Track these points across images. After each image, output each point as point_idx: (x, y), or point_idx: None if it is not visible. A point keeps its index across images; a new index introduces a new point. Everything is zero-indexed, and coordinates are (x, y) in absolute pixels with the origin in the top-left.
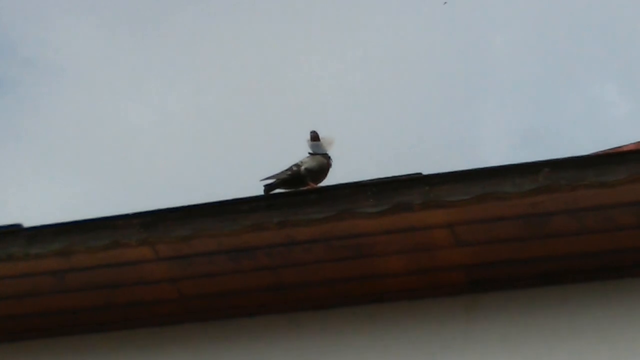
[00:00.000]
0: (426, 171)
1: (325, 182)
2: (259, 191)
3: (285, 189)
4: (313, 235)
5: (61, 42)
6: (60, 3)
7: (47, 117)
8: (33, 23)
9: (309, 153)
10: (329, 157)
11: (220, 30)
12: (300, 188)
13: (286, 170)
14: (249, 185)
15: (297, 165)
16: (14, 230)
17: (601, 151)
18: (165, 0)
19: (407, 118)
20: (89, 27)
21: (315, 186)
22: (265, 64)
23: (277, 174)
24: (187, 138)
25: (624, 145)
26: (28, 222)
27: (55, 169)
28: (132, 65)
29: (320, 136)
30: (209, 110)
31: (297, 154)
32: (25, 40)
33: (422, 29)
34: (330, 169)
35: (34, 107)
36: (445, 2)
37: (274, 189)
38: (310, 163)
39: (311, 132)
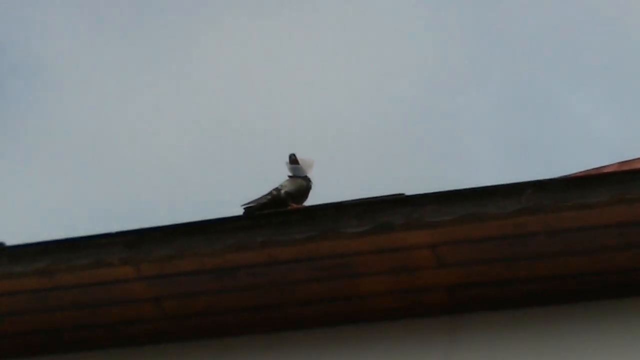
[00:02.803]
0: (409, 191)
1: (308, 203)
2: (242, 211)
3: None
4: (296, 255)
5: (44, 43)
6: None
7: (26, 126)
8: (17, 23)
9: (289, 176)
10: (309, 180)
11: (204, 47)
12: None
13: (266, 194)
14: (232, 205)
15: (277, 189)
16: None
17: (583, 171)
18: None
19: (391, 138)
20: (73, 27)
21: (297, 206)
22: (248, 84)
23: (257, 199)
24: (171, 156)
25: (606, 166)
26: (10, 240)
27: (36, 183)
28: (117, 74)
29: (300, 158)
30: (193, 130)
31: (281, 174)
32: (8, 41)
33: (404, 43)
34: (311, 191)
35: (14, 113)
36: None
37: (254, 213)
38: (290, 186)
39: (290, 156)
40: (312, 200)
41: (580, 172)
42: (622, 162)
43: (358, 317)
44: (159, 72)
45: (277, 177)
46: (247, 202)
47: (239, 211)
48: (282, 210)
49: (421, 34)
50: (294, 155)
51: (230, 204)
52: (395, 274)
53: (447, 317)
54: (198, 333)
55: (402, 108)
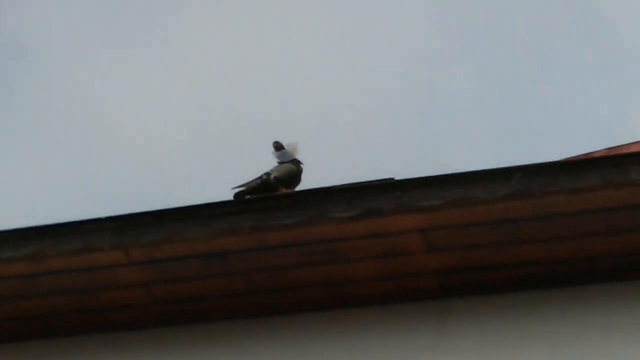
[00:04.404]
0: (398, 176)
1: (298, 188)
2: (231, 197)
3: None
4: (285, 240)
5: (31, 25)
6: None
7: (12, 109)
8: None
9: (278, 162)
10: (299, 162)
11: (195, 31)
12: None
13: (256, 179)
14: (222, 190)
15: (266, 173)
16: None
17: (572, 157)
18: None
19: (381, 122)
20: (61, 11)
21: (288, 191)
22: (238, 68)
23: (247, 183)
24: (161, 141)
25: (595, 151)
26: None
27: (25, 168)
28: (107, 58)
29: (285, 144)
30: (184, 115)
31: (272, 157)
32: None
33: (392, 29)
34: (302, 173)
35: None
36: None
37: (244, 197)
38: (279, 171)
39: (274, 143)
40: (301, 185)
41: (570, 157)
42: (611, 147)
43: (347, 302)
44: (150, 56)
45: (268, 161)
46: (236, 185)
47: (229, 196)
48: (272, 195)
49: (411, 18)
50: (277, 142)
51: (220, 189)
52: (385, 258)
53: (437, 301)
54: (187, 318)
55: (392, 93)
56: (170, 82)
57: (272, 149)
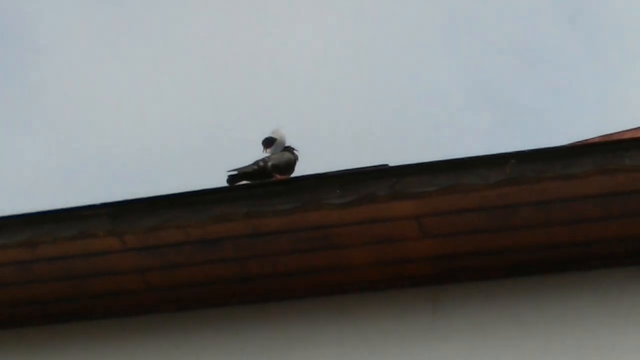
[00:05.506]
0: (392, 163)
1: (292, 174)
2: (226, 184)
3: (249, 181)
4: (279, 227)
5: (33, 15)
6: None
7: (8, 96)
8: None
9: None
10: (293, 149)
11: (193, 17)
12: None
13: (252, 164)
14: (217, 177)
15: (264, 160)
16: None
17: (567, 144)
18: None
19: (375, 109)
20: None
21: (282, 177)
22: (236, 52)
23: (242, 167)
24: (156, 127)
25: (590, 138)
26: None
27: (19, 154)
28: (105, 43)
29: (272, 136)
30: (179, 99)
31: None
32: None
33: (387, 17)
34: (297, 162)
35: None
36: None
37: (238, 181)
38: (277, 159)
39: (262, 142)
40: (296, 172)
41: (564, 144)
42: (606, 134)
43: (342, 288)
44: (148, 47)
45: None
46: (233, 169)
47: (223, 183)
48: (266, 182)
49: (406, 8)
50: (265, 139)
51: (215, 177)
52: (379, 244)
53: (431, 287)
54: (182, 304)
55: (387, 81)
56: (168, 72)
57: (263, 149)
